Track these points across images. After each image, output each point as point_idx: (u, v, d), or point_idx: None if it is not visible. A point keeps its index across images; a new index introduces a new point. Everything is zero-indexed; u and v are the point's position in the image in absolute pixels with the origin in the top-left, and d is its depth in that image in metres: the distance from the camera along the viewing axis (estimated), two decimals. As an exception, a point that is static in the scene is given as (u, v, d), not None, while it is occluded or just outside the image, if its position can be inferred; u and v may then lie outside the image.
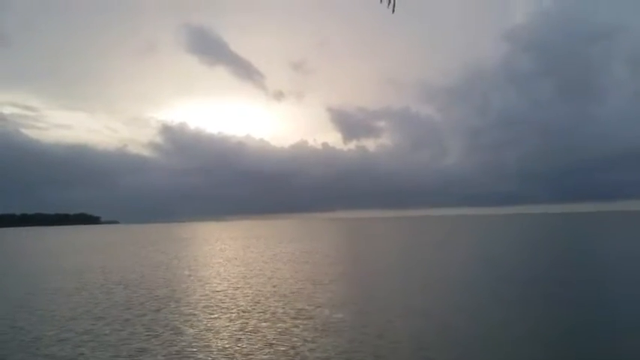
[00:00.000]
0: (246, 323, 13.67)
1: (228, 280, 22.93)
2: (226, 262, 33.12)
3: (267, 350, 10.87)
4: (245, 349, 10.99)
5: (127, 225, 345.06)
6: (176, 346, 11.49)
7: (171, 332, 12.85)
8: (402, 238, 64.84)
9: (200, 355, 10.63)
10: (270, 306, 16.13)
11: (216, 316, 14.85)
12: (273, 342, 11.56)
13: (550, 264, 27.46)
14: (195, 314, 15.16)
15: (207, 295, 18.90)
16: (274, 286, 20.44)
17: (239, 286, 21.08)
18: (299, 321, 13.74)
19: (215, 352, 10.82)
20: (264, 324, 13.52)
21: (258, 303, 16.65)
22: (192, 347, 11.32)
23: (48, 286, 22.70)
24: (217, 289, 20.15)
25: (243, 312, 15.27)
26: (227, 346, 11.35)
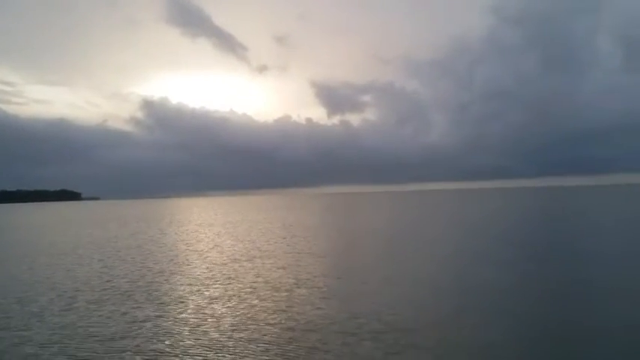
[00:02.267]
0: (252, 292, 14.04)
1: (225, 254, 23.21)
2: (219, 237, 33.33)
3: (277, 315, 11.28)
4: (256, 316, 11.36)
5: (109, 201, 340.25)
6: (184, 313, 11.81)
7: (178, 302, 13.13)
8: (389, 212, 65.85)
9: (210, 321, 10.95)
10: (271, 277, 16.51)
11: (219, 286, 15.16)
12: (282, 308, 11.99)
13: (533, 236, 28.50)
14: (198, 285, 15.45)
15: (207, 267, 19.17)
16: (271, 259, 20.82)
17: (236, 258, 21.39)
18: (303, 289, 14.19)
19: (226, 318, 11.15)
20: (269, 292, 13.93)
21: (259, 275, 16.99)
22: (201, 314, 11.63)
23: (45, 261, 22.62)
24: (216, 262, 20.43)
25: (247, 283, 15.62)
26: (237, 312, 11.71)
